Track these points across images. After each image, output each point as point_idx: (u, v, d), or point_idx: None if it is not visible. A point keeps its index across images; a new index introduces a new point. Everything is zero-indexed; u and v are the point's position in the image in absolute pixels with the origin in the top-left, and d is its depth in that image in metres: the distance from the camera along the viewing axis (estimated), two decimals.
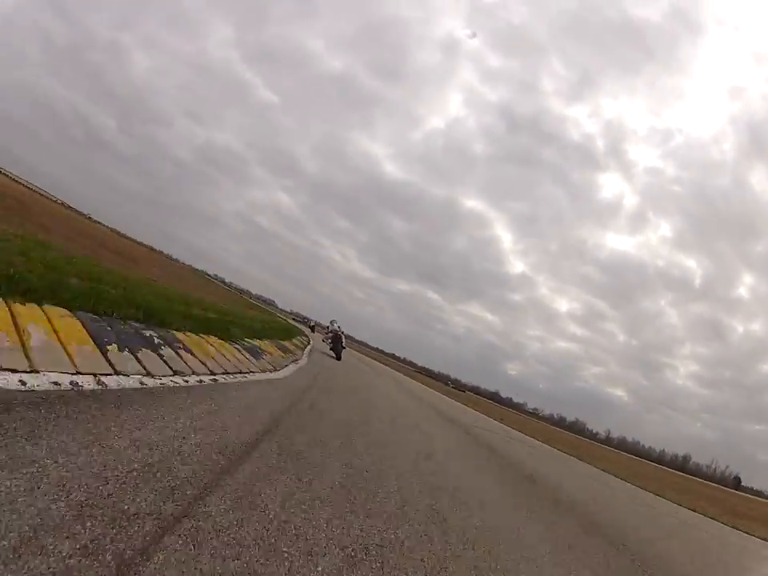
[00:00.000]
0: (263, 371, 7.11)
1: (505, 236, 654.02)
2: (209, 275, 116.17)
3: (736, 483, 75.56)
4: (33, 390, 2.45)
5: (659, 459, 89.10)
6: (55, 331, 3.16)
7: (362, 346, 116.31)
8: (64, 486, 1.73)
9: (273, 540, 2.04)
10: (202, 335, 6.00)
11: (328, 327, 21.26)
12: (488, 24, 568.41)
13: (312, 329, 40.43)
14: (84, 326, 3.53)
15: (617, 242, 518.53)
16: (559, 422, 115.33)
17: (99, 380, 3.06)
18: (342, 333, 20.24)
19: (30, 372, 2.62)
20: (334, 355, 18.52)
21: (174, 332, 5.17)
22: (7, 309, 2.96)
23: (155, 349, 4.25)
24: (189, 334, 5.58)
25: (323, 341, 21.75)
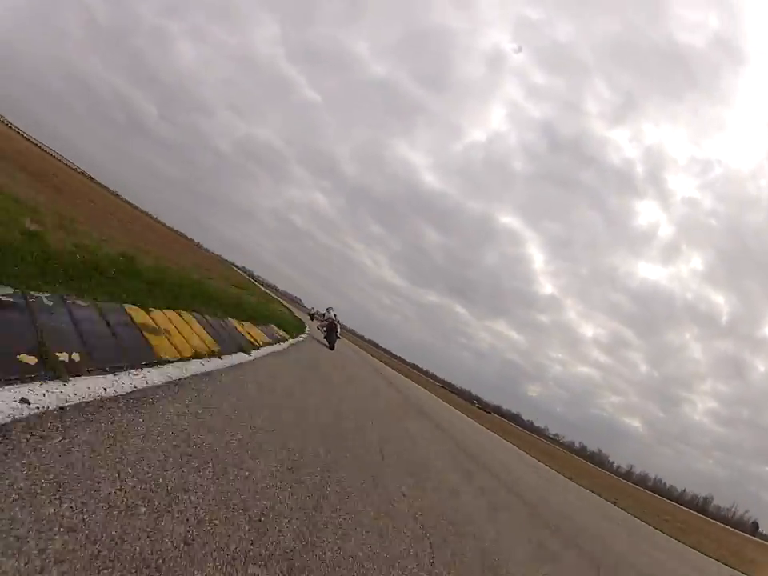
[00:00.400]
0: None
1: (537, 256, 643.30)
2: (236, 266, 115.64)
3: (753, 529, 72.57)
4: None
5: (679, 499, 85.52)
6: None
7: (381, 352, 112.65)
8: None
9: None
10: None
11: (323, 315, 20.60)
12: (534, 40, 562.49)
13: (311, 317, 38.78)
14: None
15: (648, 271, 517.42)
16: (580, 451, 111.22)
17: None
18: (338, 322, 19.44)
19: None
20: (327, 344, 18.00)
21: None
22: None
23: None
24: None
25: (318, 328, 20.97)
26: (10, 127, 45.65)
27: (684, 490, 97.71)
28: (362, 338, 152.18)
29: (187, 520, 2.06)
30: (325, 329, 19.33)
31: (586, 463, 71.16)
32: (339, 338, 19.69)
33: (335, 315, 19.62)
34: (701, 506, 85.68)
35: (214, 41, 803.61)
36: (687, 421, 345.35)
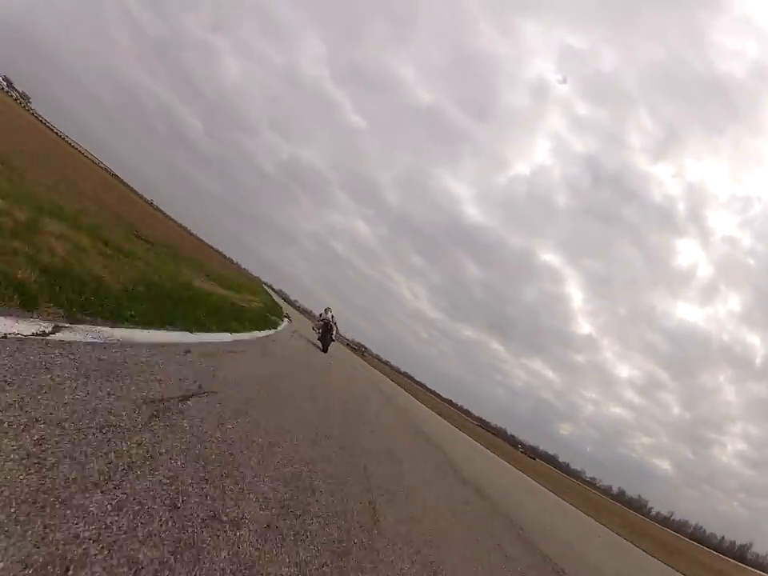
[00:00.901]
0: None
1: (576, 294, 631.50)
2: (273, 289, 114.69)
3: None
4: None
5: (718, 546, 77.54)
6: None
7: (416, 385, 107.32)
8: None
9: None
10: None
11: (320, 314, 19.34)
12: (578, 70, 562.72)
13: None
14: None
15: (686, 311, 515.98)
16: (618, 497, 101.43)
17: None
18: (335, 323, 18.36)
19: None
20: (321, 346, 17.37)
21: None
22: None
23: None
24: None
25: (313, 329, 20.00)
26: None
27: (722, 537, 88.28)
28: (397, 370, 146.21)
29: None
30: (320, 330, 18.26)
31: (634, 514, 61.13)
32: (334, 340, 19.18)
33: (332, 317, 18.39)
34: (739, 553, 78.64)
35: (260, 58, 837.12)
36: (716, 463, 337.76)
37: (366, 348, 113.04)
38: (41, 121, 45.05)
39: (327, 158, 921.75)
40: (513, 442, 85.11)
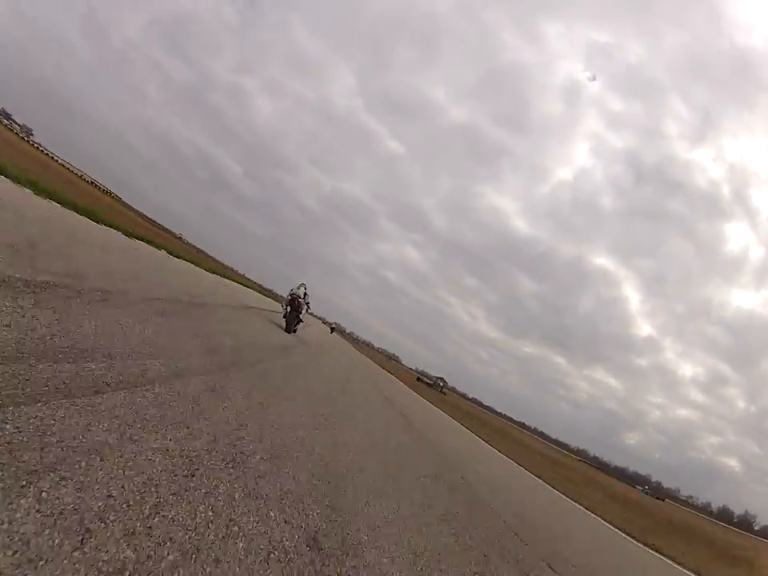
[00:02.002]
0: None
1: (632, 296, 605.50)
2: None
3: None
4: None
5: None
6: None
7: (483, 411, 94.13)
8: None
9: None
10: None
11: (291, 290, 14.87)
12: (606, 66, 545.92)
13: (332, 330, 39.87)
14: None
15: (742, 298, 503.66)
16: (722, 516, 76.58)
17: None
18: (307, 302, 14.90)
19: None
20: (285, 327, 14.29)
21: None
22: None
23: None
24: None
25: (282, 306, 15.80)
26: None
27: None
28: (464, 396, 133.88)
29: None
30: (287, 306, 14.49)
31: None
32: (302, 320, 15.30)
33: (305, 294, 14.84)
34: None
35: (291, 95, 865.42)
36: None
37: (444, 382, 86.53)
38: (44, 152, 42.52)
39: (370, 187, 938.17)
40: (631, 481, 69.34)
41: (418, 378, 72.47)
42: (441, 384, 79.75)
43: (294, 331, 14.47)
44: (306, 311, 15.64)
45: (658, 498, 50.84)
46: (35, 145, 45.48)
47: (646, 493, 53.74)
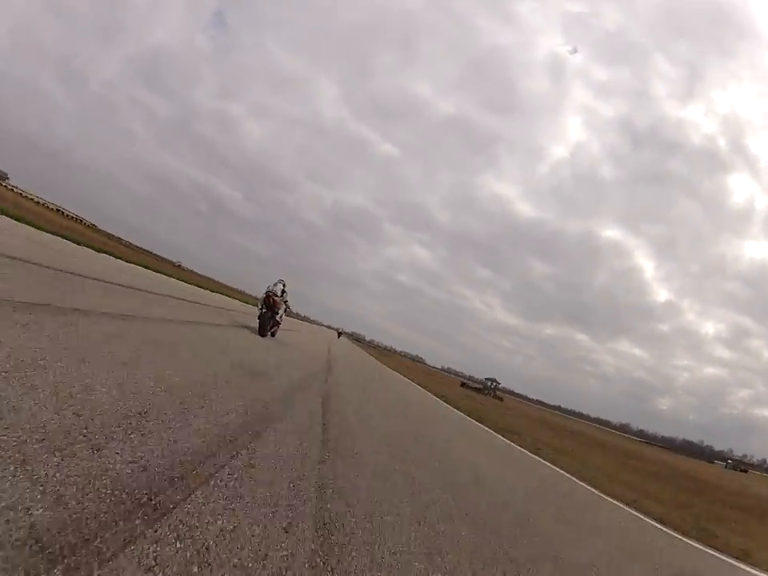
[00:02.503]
0: None
1: (646, 264, 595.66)
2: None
3: None
4: None
5: None
6: None
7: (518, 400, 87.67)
8: None
9: None
10: None
11: (268, 287, 12.66)
12: (585, 36, 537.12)
13: (339, 335, 40.40)
14: None
15: (754, 249, 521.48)
16: None
17: None
18: (282, 297, 12.47)
19: None
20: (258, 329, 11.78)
21: None
22: None
23: None
24: None
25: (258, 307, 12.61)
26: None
27: None
28: (525, 397, 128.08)
29: None
30: (261, 306, 12.11)
31: None
32: (280, 322, 13.08)
33: (284, 291, 12.68)
34: None
35: (277, 114, 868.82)
36: None
37: (496, 383, 73.33)
38: (18, 194, 40.10)
39: (370, 194, 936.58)
40: (708, 456, 63.51)
41: (463, 384, 63.45)
42: (492, 386, 68.52)
43: (273, 334, 12.61)
44: (286, 312, 13.65)
45: (742, 471, 45.57)
46: (9, 187, 43.23)
47: (731, 468, 48.32)
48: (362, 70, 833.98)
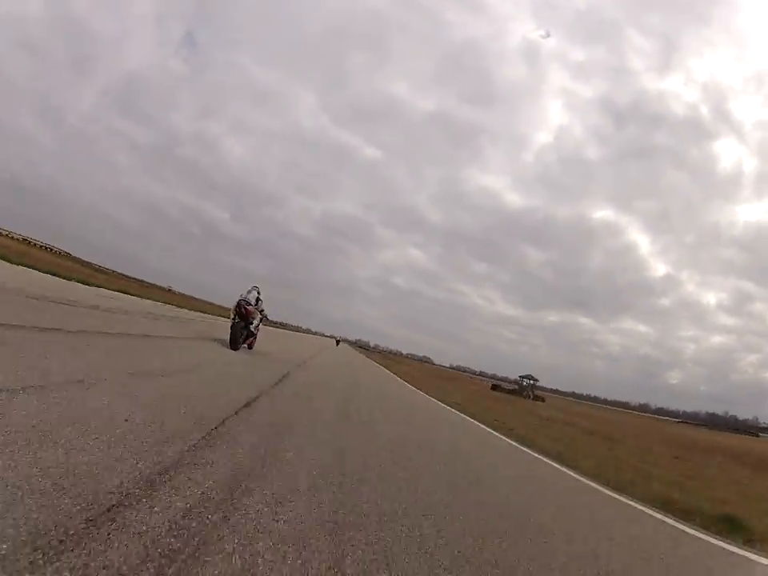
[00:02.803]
0: None
1: (640, 239, 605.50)
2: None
3: None
4: None
5: None
6: None
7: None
8: None
9: None
10: None
11: (240, 294, 11.76)
12: (556, 18, 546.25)
13: (337, 343, 42.50)
14: None
15: (747, 213, 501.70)
16: None
17: None
18: (256, 306, 11.68)
19: None
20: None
21: None
22: None
23: None
24: None
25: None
26: None
27: None
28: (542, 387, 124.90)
29: None
30: (234, 317, 11.05)
31: None
32: (255, 333, 12.08)
33: (258, 299, 11.81)
34: None
35: (257, 130, 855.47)
36: None
37: (533, 381, 64.04)
38: None
39: (359, 200, 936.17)
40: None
41: (494, 387, 56.39)
42: (529, 386, 59.65)
43: (249, 347, 11.88)
44: (263, 321, 12.75)
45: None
46: None
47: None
48: (337, 76, 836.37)
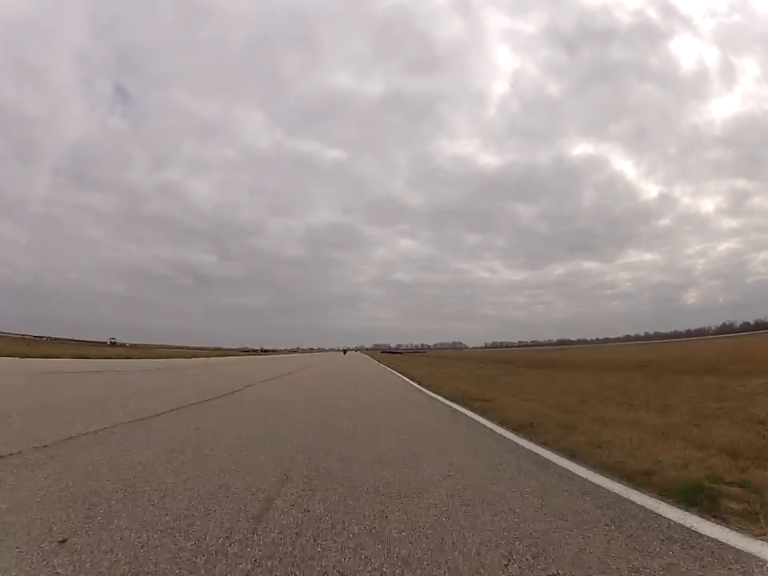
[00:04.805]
0: None
1: (625, 165, 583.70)
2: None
3: None
4: None
5: None
6: None
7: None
8: None
9: None
10: None
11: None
12: None
13: (344, 352, 38.67)
14: None
15: (722, 108, 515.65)
16: None
17: None
18: None
19: None
20: None
21: None
22: None
23: None
24: None
25: None
26: None
27: None
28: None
29: None
30: None
31: None
32: None
33: None
34: None
35: (215, 163, 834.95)
36: None
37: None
38: None
39: (336, 206, 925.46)
40: None
41: None
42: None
43: None
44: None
45: None
46: None
47: None
48: (275, 84, 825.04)
